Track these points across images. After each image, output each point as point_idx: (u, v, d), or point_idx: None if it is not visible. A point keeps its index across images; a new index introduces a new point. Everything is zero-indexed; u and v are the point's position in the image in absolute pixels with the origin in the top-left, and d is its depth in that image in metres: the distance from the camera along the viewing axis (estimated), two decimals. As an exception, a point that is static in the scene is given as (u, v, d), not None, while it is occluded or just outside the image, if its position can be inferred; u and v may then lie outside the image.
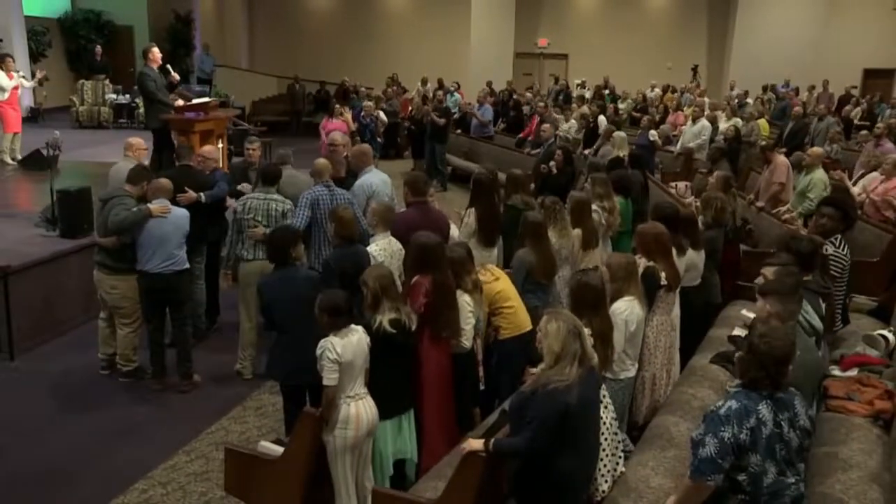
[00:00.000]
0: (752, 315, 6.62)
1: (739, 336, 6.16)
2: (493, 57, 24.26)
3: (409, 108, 16.99)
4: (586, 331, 3.88)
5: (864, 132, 14.26)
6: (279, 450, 4.44)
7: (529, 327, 5.47)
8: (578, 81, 23.00)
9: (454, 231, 6.57)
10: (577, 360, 3.66)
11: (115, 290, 6.47)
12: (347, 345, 4.18)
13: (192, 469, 5.46)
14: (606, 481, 4.12)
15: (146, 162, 7.71)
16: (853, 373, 5.07)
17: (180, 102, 10.52)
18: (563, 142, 11.95)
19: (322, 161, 6.85)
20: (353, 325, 4.27)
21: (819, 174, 8.68)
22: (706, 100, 16.71)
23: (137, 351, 6.74)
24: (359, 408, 4.29)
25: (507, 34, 24.96)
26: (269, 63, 25.35)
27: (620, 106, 18.54)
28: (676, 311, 5.63)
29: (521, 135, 15.62)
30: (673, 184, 11.64)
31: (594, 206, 6.96)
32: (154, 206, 6.26)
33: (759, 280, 4.62)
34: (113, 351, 6.76)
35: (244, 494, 4.59)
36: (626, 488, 4.14)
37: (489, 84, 19.93)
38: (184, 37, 20.85)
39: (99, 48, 18.28)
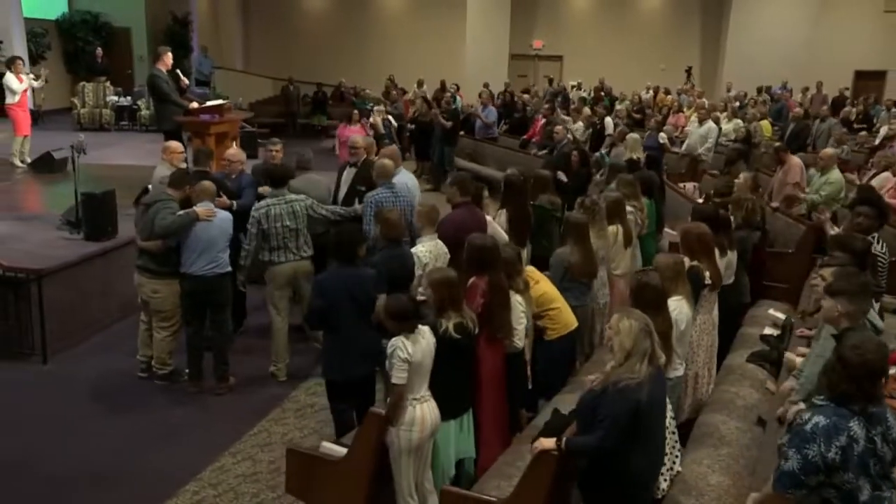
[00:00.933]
0: (780, 315, 6.79)
1: (771, 335, 6.30)
2: (489, 58, 24.34)
3: (412, 110, 16.99)
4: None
5: (863, 133, 14.49)
6: (342, 450, 4.47)
7: (575, 325, 5.56)
8: (574, 83, 23.13)
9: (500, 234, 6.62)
10: (647, 358, 3.72)
11: (157, 293, 6.47)
12: (418, 346, 4.23)
13: (239, 471, 5.49)
14: (665, 479, 4.20)
15: (182, 166, 7.69)
16: (892, 371, 5.18)
17: (194, 105, 10.50)
18: (573, 144, 12.03)
19: (387, 162, 6.89)
20: (420, 327, 4.31)
21: (835, 174, 8.81)
22: (705, 101, 16.81)
23: (173, 354, 6.75)
24: (424, 410, 4.33)
25: (503, 36, 25.04)
26: (264, 65, 25.30)
27: (618, 107, 18.63)
28: (716, 310, 5.72)
29: (524, 136, 15.70)
30: (681, 184, 11.77)
31: (628, 207, 7.04)
32: (200, 209, 6.28)
33: (818, 281, 4.69)
34: (152, 353, 6.76)
35: (306, 495, 4.63)
36: (686, 486, 4.21)
37: (486, 86, 20.01)
38: (181, 39, 20.76)
39: (100, 50, 18.22)
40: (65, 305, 7.31)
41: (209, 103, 10.75)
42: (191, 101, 10.71)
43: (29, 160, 12.18)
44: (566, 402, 5.12)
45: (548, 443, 3.89)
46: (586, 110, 15.51)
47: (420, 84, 21.14)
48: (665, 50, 25.18)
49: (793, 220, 8.90)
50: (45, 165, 11.70)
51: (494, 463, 4.67)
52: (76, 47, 19.72)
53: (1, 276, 6.94)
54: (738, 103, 17.35)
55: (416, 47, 24.87)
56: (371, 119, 12.84)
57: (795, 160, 9.65)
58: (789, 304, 7.24)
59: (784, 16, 23.38)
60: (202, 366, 6.64)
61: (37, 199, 10.33)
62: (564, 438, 3.85)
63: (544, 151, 13.80)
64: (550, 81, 23.79)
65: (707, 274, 5.31)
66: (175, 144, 7.73)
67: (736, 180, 7.88)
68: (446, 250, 5.98)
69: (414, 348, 4.20)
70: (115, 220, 8.21)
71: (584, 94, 20.28)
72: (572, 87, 22.65)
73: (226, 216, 6.50)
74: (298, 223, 6.69)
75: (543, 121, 15.12)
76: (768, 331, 6.41)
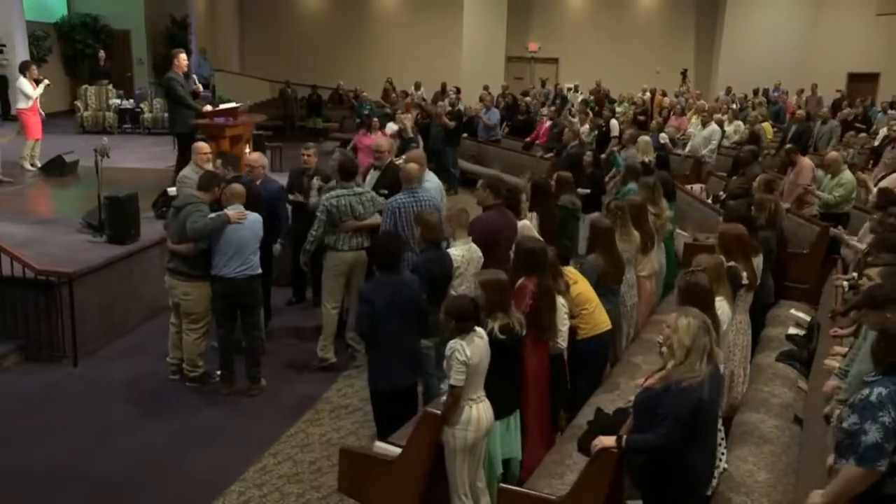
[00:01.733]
0: (802, 315, 6.91)
1: (797, 335, 6.41)
2: (485, 61, 24.48)
3: (416, 113, 17.05)
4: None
5: (862, 135, 14.66)
6: (396, 450, 4.53)
7: (608, 326, 5.64)
8: (569, 85, 23.27)
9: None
10: (706, 356, 3.80)
11: (189, 296, 6.51)
12: (475, 348, 4.29)
13: (282, 471, 5.55)
14: (714, 477, 4.28)
15: (208, 167, 7.73)
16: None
17: (208, 107, 10.53)
18: (582, 146, 12.15)
19: (412, 166, 6.97)
20: (477, 329, 4.38)
21: (847, 175, 8.94)
22: (705, 103, 16.98)
23: (203, 356, 6.79)
24: (479, 410, 4.40)
25: (499, 38, 25.18)
26: (260, 67, 25.29)
27: (618, 109, 18.78)
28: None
29: (528, 138, 15.80)
30: (688, 186, 11.89)
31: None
32: (231, 212, 6.33)
33: (864, 281, 4.79)
34: (182, 356, 6.80)
35: (359, 494, 4.69)
36: (734, 484, 4.28)
37: (486, 88, 20.12)
38: (181, 41, 20.69)
39: (102, 53, 18.16)
40: (92, 308, 7.35)
41: (223, 106, 10.79)
42: (204, 104, 10.74)
43: (39, 164, 12.17)
44: (603, 402, 5.23)
45: (608, 441, 3.97)
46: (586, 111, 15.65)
47: (417, 87, 21.22)
48: (660, 52, 25.34)
49: (805, 221, 9.02)
50: (56, 168, 11.70)
51: (541, 462, 4.75)
52: (76, 50, 19.65)
53: (32, 280, 6.95)
54: (736, 105, 17.49)
55: (412, 50, 24.89)
56: (399, 124, 12.84)
57: (806, 161, 9.80)
58: (809, 304, 7.36)
59: (778, 18, 23.66)
60: (234, 368, 6.69)
61: (53, 202, 10.33)
62: (624, 437, 3.92)
63: (551, 154, 13.91)
64: (543, 83, 23.91)
65: (744, 274, 5.40)
66: (201, 145, 7.79)
67: (754, 183, 7.98)
68: (480, 254, 6.04)
69: (471, 350, 4.27)
70: (137, 223, 8.26)
71: (586, 97, 20.40)
72: (568, 89, 22.80)
73: (256, 218, 6.55)
74: (367, 209, 6.97)
75: (548, 123, 15.24)
76: (792, 330, 6.52)
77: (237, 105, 10.92)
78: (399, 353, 5.19)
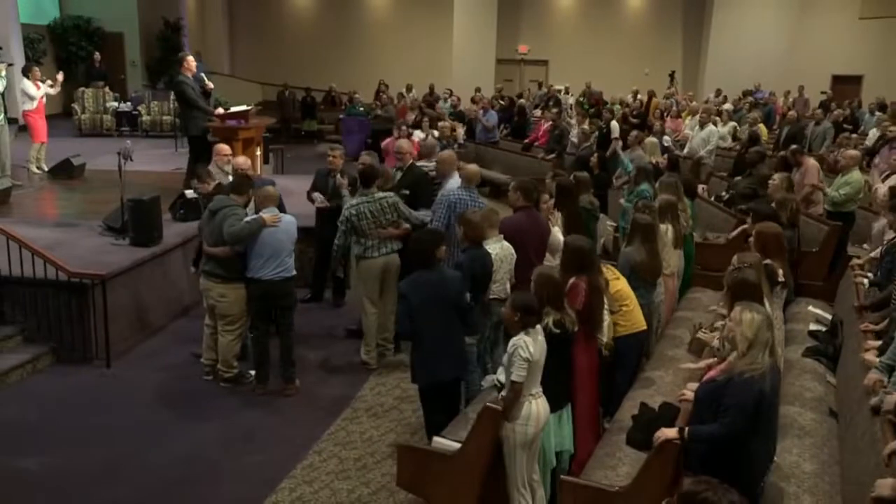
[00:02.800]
0: (821, 311, 7.10)
1: (819, 331, 6.59)
2: (475, 63, 24.67)
3: (413, 115, 17.17)
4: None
5: (854, 136, 14.96)
6: (454, 445, 4.65)
7: (644, 326, 5.79)
8: (560, 87, 23.48)
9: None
10: (768, 350, 3.94)
11: (225, 298, 6.59)
12: (536, 344, 4.42)
13: (329, 468, 5.64)
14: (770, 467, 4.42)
15: (228, 168, 7.81)
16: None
17: (220, 110, 10.58)
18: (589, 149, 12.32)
19: (473, 168, 7.16)
20: (536, 326, 4.50)
21: (856, 175, 9.15)
22: (699, 105, 17.24)
23: (237, 357, 6.87)
24: (538, 406, 4.52)
25: (489, 41, 25.37)
26: (249, 69, 25.29)
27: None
28: (776, 306, 5.98)
29: (527, 140, 15.96)
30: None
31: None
32: (266, 215, 6.41)
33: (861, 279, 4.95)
34: (216, 357, 6.87)
35: (419, 489, 4.81)
36: (783, 474, 4.44)
37: (479, 90, 20.29)
38: (174, 43, 20.72)
39: (98, 55, 18.12)
40: (121, 310, 7.40)
41: (233, 109, 10.83)
42: (217, 107, 10.80)
43: (45, 167, 12.15)
44: (642, 397, 5.37)
45: (670, 433, 4.10)
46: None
47: (409, 89, 21.33)
48: (648, 54, 25.67)
49: (813, 220, 9.23)
50: (65, 171, 11.71)
51: (592, 455, 4.88)
52: (69, 53, 19.56)
53: (65, 282, 6.99)
54: (729, 106, 17.75)
55: (403, 52, 25.02)
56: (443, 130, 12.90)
57: (812, 161, 10.01)
58: (824, 301, 7.56)
59: (764, 21, 24.05)
60: (269, 369, 6.77)
61: (69, 204, 10.30)
62: (687, 428, 4.06)
63: (552, 156, 14.07)
64: (540, 85, 24.17)
65: (780, 272, 5.57)
66: (222, 146, 7.88)
67: (771, 181, 8.16)
68: (513, 252, 6.18)
69: (534, 347, 4.39)
70: (160, 226, 8.30)
71: (579, 99, 20.63)
72: (558, 90, 23.00)
73: (290, 221, 6.65)
74: (390, 216, 7.08)
75: (547, 125, 15.40)
76: (813, 327, 6.70)
77: (248, 108, 10.97)
78: (441, 348, 5.29)
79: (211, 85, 11.16)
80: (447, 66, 24.49)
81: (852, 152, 9.64)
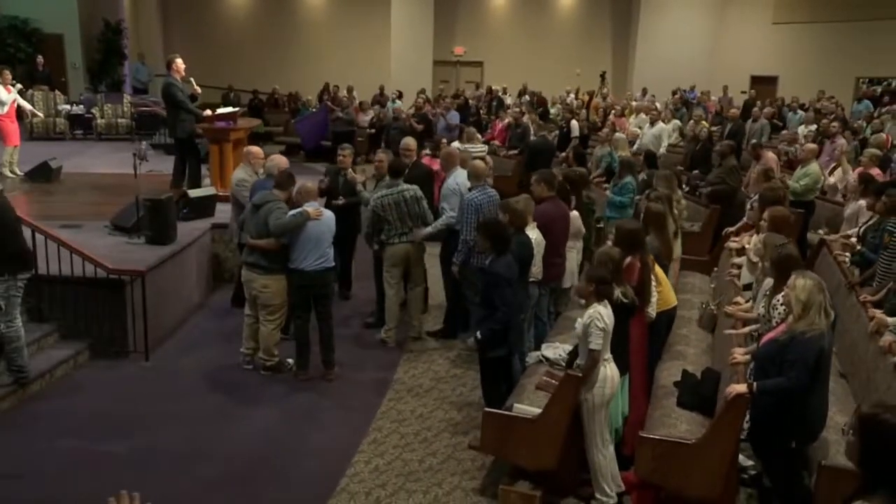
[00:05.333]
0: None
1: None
2: (413, 64, 25.11)
3: (372, 116, 17.52)
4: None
5: (785, 132, 16.08)
6: (536, 410, 5.12)
7: (675, 303, 6.39)
8: (498, 88, 24.11)
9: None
10: (823, 311, 4.54)
11: (267, 288, 6.88)
12: (609, 315, 4.93)
13: (393, 442, 6.04)
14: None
15: (260, 171, 8.08)
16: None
17: (209, 112, 10.73)
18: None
19: (480, 163, 7.54)
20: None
21: (814, 167, 10.01)
22: (641, 104, 18.18)
23: (278, 345, 7.17)
24: (612, 369, 5.05)
25: (426, 42, 25.84)
26: (190, 71, 24.87)
27: (551, 111, 19.75)
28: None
29: (485, 139, 16.49)
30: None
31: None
32: (310, 209, 6.75)
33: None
34: (255, 346, 7.15)
35: (502, 451, 5.27)
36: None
37: (422, 91, 20.70)
38: (115, 45, 20.43)
39: (41, 58, 17.75)
40: (152, 305, 7.56)
41: (221, 110, 11.01)
42: (205, 109, 10.93)
43: (18, 171, 12.02)
44: (674, 367, 5.96)
45: (740, 388, 4.66)
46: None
47: (350, 90, 21.59)
48: (580, 55, 26.61)
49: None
50: (42, 174, 11.61)
51: (648, 417, 5.43)
52: (7, 54, 18.98)
53: (103, 279, 7.14)
54: (671, 106, 18.73)
55: (342, 53, 25.19)
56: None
57: (770, 155, 10.89)
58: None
59: (686, 25, 25.36)
60: (309, 356, 7.10)
61: (65, 206, 10.25)
62: (755, 383, 4.63)
63: (515, 152, 14.67)
64: (477, 86, 24.80)
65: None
66: (257, 150, 8.21)
67: (752, 174, 8.90)
68: (542, 239, 6.70)
69: (609, 318, 4.91)
70: (175, 225, 8.48)
71: (508, 99, 21.48)
72: (496, 90, 23.65)
73: (330, 215, 7.00)
74: (412, 209, 7.59)
75: (504, 123, 16.01)
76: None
77: (235, 109, 11.15)
78: (517, 322, 5.83)
79: (198, 89, 11.24)
80: (386, 67, 24.83)
81: (811, 146, 10.51)
